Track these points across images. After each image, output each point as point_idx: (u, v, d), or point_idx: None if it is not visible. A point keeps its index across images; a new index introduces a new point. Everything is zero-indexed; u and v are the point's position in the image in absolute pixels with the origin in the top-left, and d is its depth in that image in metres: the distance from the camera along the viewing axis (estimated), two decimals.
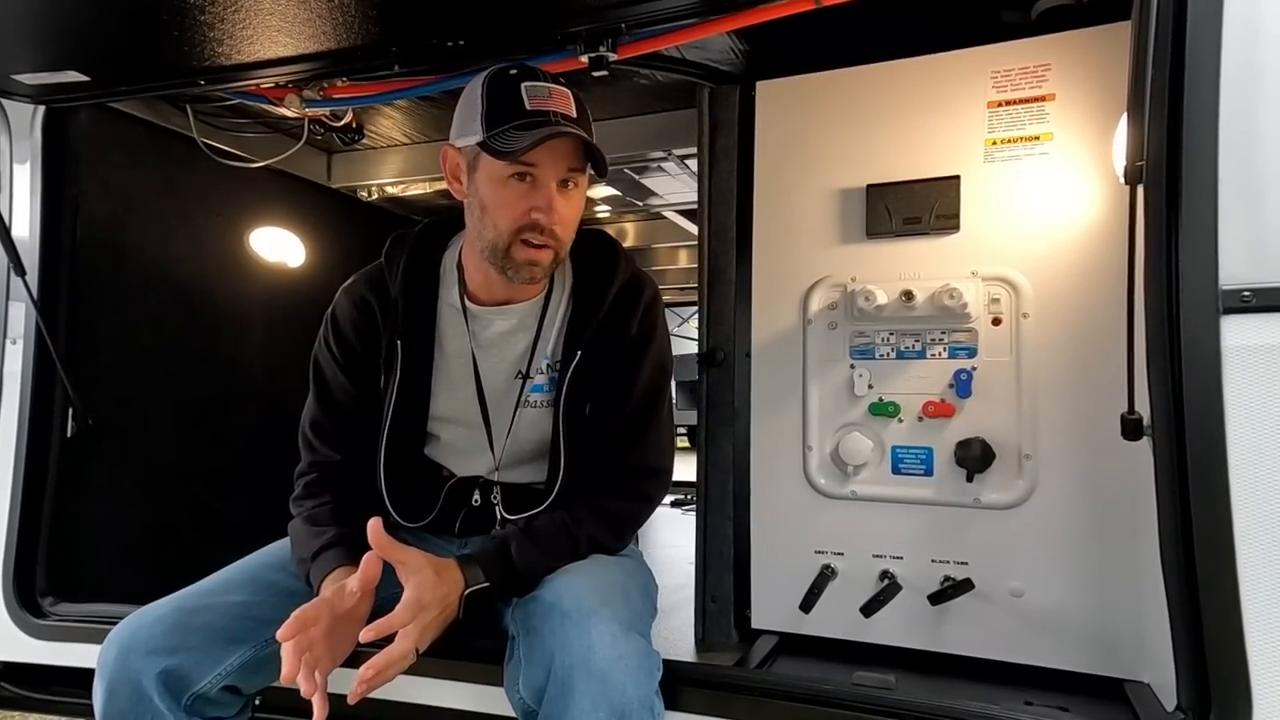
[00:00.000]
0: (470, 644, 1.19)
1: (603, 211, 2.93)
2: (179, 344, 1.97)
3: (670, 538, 2.63)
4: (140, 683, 1.05)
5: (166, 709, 1.06)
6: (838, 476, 1.48)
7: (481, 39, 1.35)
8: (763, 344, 1.55)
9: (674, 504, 3.20)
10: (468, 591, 1.08)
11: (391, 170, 2.42)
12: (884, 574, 1.43)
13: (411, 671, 1.21)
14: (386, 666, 0.98)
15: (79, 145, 1.71)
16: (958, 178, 1.41)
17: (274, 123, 2.04)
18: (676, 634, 1.62)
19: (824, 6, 1.23)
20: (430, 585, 1.03)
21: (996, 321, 1.39)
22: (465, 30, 1.32)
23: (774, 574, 1.52)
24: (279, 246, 2.27)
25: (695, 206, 1.66)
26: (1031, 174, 1.37)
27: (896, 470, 1.44)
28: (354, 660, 1.02)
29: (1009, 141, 1.39)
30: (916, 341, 1.44)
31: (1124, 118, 1.05)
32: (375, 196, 2.59)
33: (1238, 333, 0.94)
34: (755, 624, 1.53)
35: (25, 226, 1.66)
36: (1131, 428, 1.03)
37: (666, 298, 3.92)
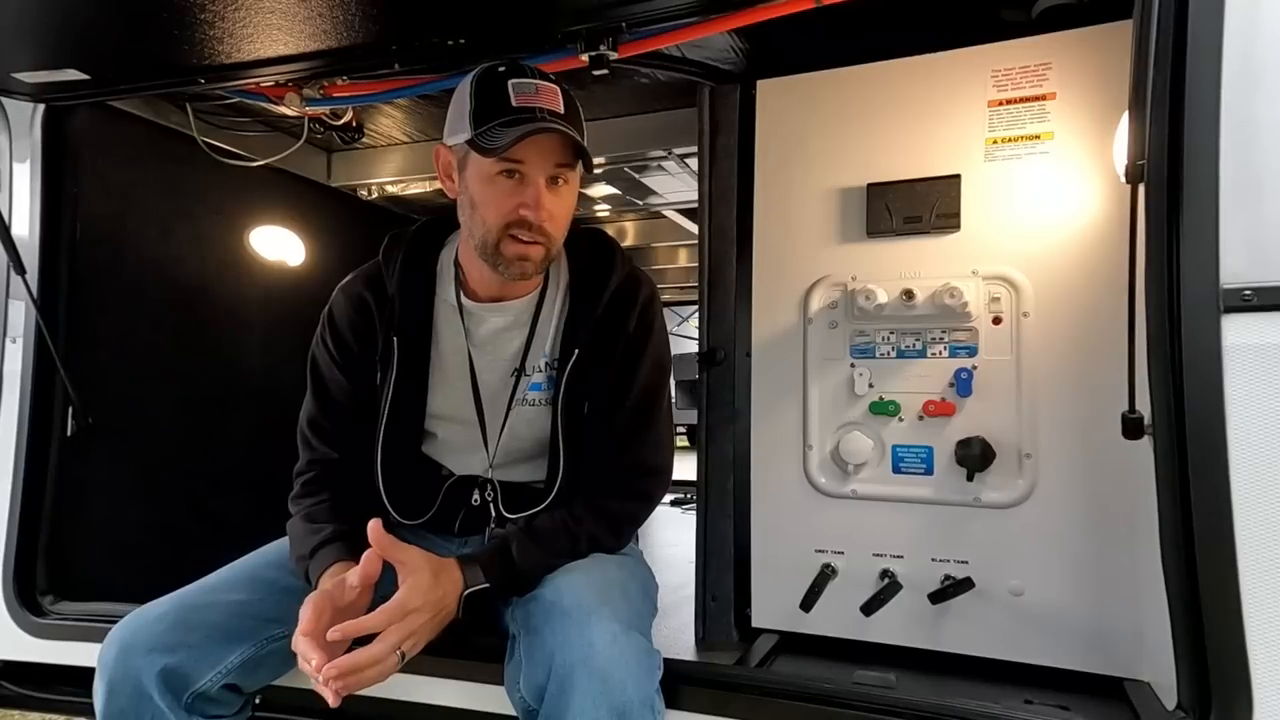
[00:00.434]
0: (471, 643, 1.19)
1: (602, 210, 2.93)
2: (179, 342, 1.97)
3: (670, 536, 2.63)
4: (140, 681, 1.05)
5: (167, 707, 1.06)
6: (838, 475, 1.48)
7: (482, 38, 1.35)
8: (763, 343, 1.55)
9: (674, 503, 3.20)
10: (467, 592, 1.08)
11: (391, 169, 2.42)
12: (884, 573, 1.43)
13: (412, 670, 1.21)
14: (353, 669, 0.95)
15: (79, 144, 1.71)
16: (958, 177, 1.41)
17: (274, 121, 2.04)
18: (677, 633, 1.61)
19: (824, 5, 1.23)
20: (423, 588, 1.02)
21: (997, 320, 1.39)
22: (465, 29, 1.32)
23: (774, 573, 1.52)
24: (279, 245, 2.27)
25: (695, 205, 1.66)
26: (1032, 173, 1.37)
27: (897, 469, 1.44)
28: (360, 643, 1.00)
29: (1009, 140, 1.39)
30: (917, 340, 1.44)
31: (1125, 116, 1.05)
32: (375, 195, 2.59)
33: (1238, 331, 0.94)
34: (755, 623, 1.53)
35: (25, 225, 1.66)
36: (1132, 427, 1.03)
37: (666, 297, 3.94)
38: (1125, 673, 1.29)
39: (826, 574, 1.46)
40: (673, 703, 1.10)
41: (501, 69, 1.14)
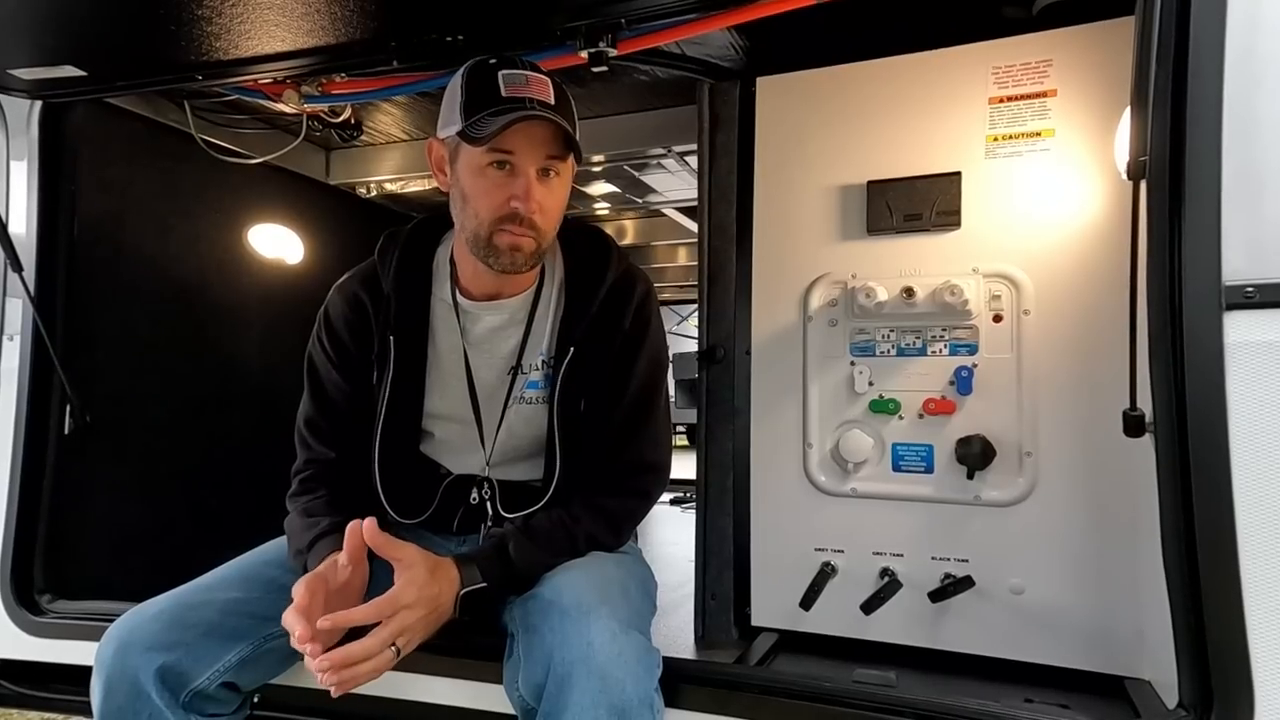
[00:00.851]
0: (469, 641, 1.19)
1: (602, 209, 2.93)
2: (177, 341, 1.97)
3: (670, 535, 2.63)
4: (138, 679, 1.05)
5: (164, 705, 1.05)
6: (838, 474, 1.47)
7: (480, 34, 1.34)
8: (763, 341, 1.55)
9: (673, 502, 3.20)
10: (464, 591, 1.07)
11: (390, 167, 2.41)
12: (884, 571, 1.43)
13: (411, 669, 1.21)
14: (346, 661, 0.95)
15: (76, 141, 1.70)
16: (959, 174, 1.41)
17: (272, 119, 2.03)
18: (676, 631, 1.61)
19: (824, 2, 1.22)
20: (418, 584, 1.02)
21: (997, 318, 1.38)
22: (464, 25, 1.31)
23: (774, 571, 1.52)
24: (277, 243, 2.26)
25: (695, 203, 1.65)
26: (1033, 170, 1.37)
27: (897, 467, 1.44)
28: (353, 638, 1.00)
29: (1010, 138, 1.39)
30: (917, 338, 1.43)
31: (1126, 113, 1.04)
32: (374, 193, 2.59)
33: (1240, 329, 0.94)
34: (755, 621, 1.53)
35: (22, 222, 1.65)
36: (1133, 424, 1.02)
37: (666, 295, 3.94)
38: (1126, 671, 1.28)
39: (826, 572, 1.46)
40: (672, 701, 1.10)
41: (492, 61, 1.14)
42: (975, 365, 1.39)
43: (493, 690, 1.14)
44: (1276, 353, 0.93)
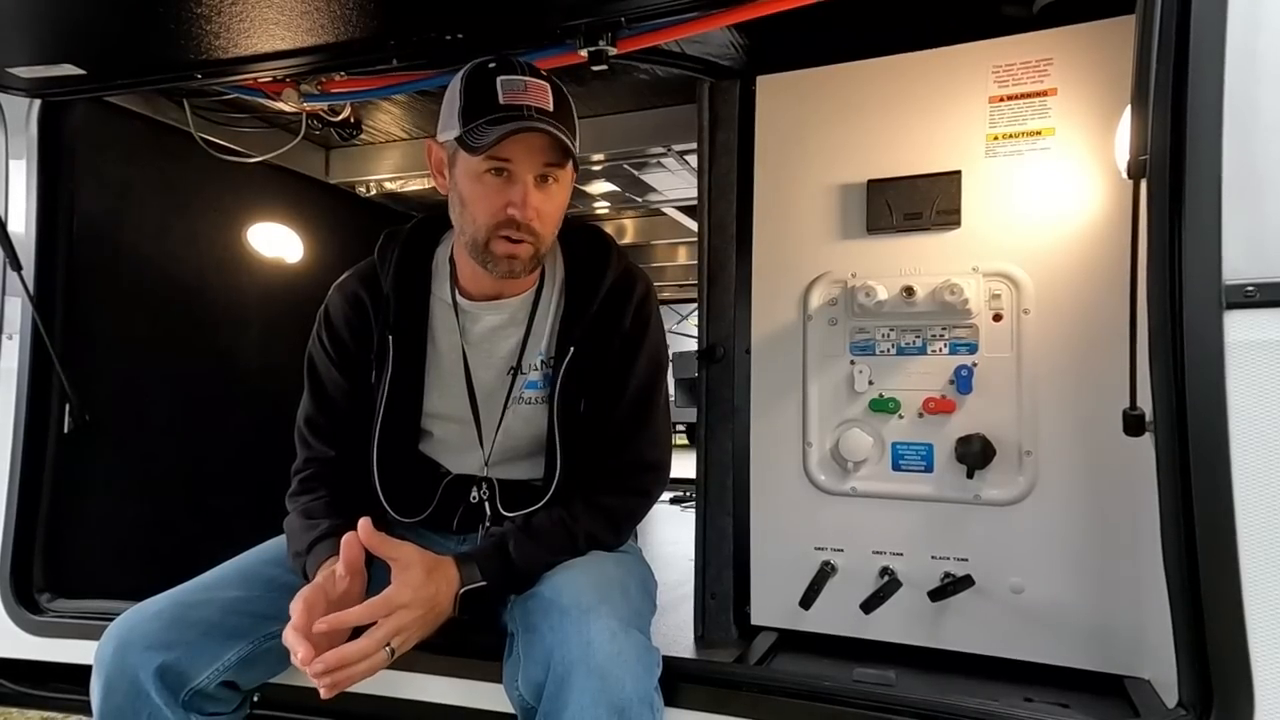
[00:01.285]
0: (469, 641, 1.19)
1: (602, 207, 2.92)
2: (176, 339, 1.97)
3: (670, 534, 2.63)
4: (137, 678, 1.05)
5: (164, 704, 1.05)
6: (838, 473, 1.47)
7: (480, 33, 1.34)
8: (763, 340, 1.55)
9: (673, 501, 3.20)
10: (464, 590, 1.07)
11: (390, 166, 2.41)
12: (884, 570, 1.43)
13: (411, 668, 1.21)
14: (340, 663, 0.95)
15: (75, 140, 1.70)
16: (959, 173, 1.41)
17: (271, 117, 2.03)
18: (676, 630, 1.61)
19: (823, 1, 1.22)
20: (414, 584, 1.02)
21: (997, 317, 1.38)
22: (463, 24, 1.31)
23: (774, 570, 1.52)
24: (277, 242, 2.26)
25: (695, 202, 1.65)
26: (1033, 169, 1.37)
27: (897, 466, 1.44)
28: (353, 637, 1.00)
29: (1010, 136, 1.39)
30: (917, 337, 1.43)
31: (1126, 112, 1.04)
32: (373, 192, 2.58)
33: (1241, 328, 0.94)
34: (755, 620, 1.53)
35: (21, 221, 1.65)
36: (1133, 423, 1.02)
37: (665, 294, 3.94)
38: (1126, 670, 1.28)
39: (826, 571, 1.46)
40: (672, 700, 1.10)
41: (492, 65, 1.13)
42: (975, 364, 1.39)
43: (492, 689, 1.14)
44: (1277, 352, 0.93)
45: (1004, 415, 1.37)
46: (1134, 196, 1.00)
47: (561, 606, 1.00)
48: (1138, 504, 1.24)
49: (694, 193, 1.71)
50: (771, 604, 1.52)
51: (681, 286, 3.74)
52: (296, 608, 0.99)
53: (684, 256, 3.45)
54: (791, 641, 1.50)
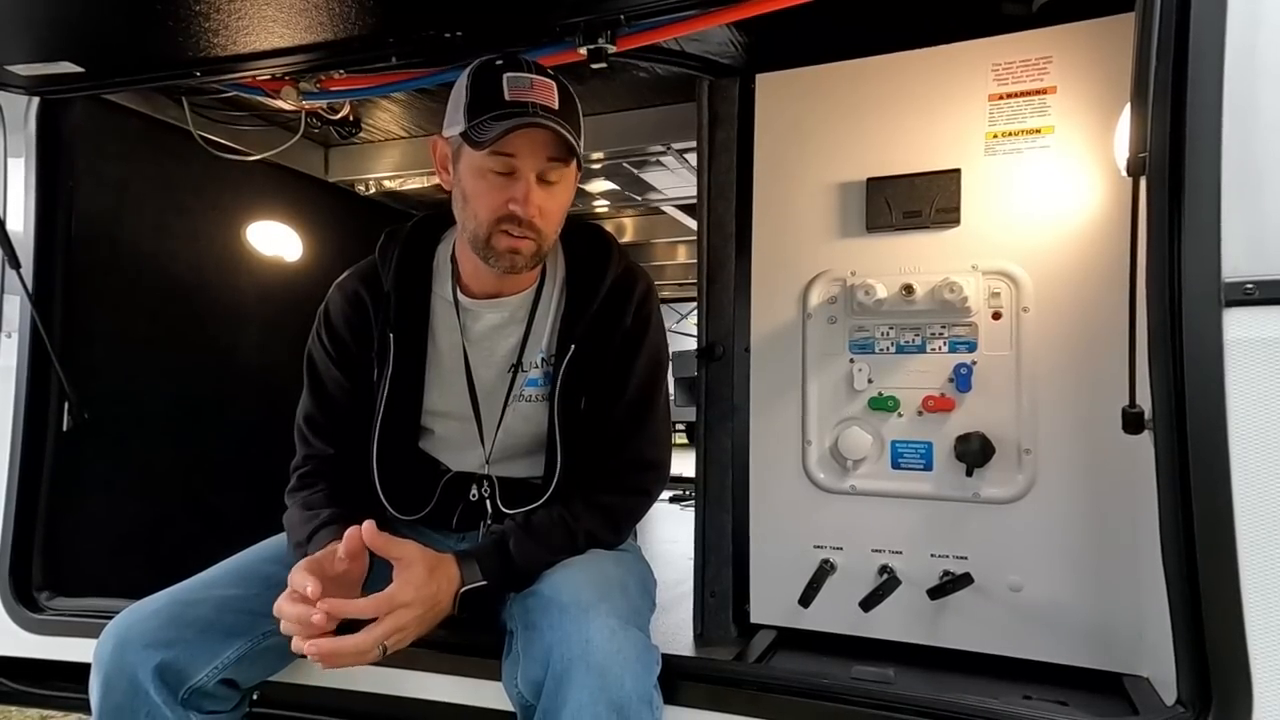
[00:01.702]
0: (468, 639, 1.19)
1: (601, 206, 2.92)
2: (175, 338, 1.97)
3: (669, 533, 2.63)
4: (136, 676, 1.05)
5: (163, 702, 1.05)
6: (837, 471, 1.47)
7: (479, 30, 1.34)
8: (762, 338, 1.54)
9: (673, 499, 3.20)
10: (464, 590, 1.07)
11: (389, 164, 2.40)
12: (883, 569, 1.43)
13: (410, 665, 1.21)
14: (335, 653, 0.96)
15: (74, 137, 1.70)
16: (958, 171, 1.41)
17: (270, 116, 2.02)
18: (675, 629, 1.61)
19: None
20: (416, 583, 1.01)
21: (997, 315, 1.38)
22: (462, 21, 1.31)
23: (773, 569, 1.52)
24: (276, 240, 2.26)
25: (694, 201, 1.65)
26: (1032, 167, 1.37)
27: (896, 465, 1.44)
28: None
29: (1010, 135, 1.38)
30: (916, 336, 1.43)
31: (1126, 110, 1.04)
32: (373, 191, 2.58)
33: (1240, 326, 0.93)
34: (754, 619, 1.53)
35: (20, 219, 1.65)
36: (1133, 421, 1.02)
37: (665, 293, 3.94)
38: (1124, 668, 1.28)
39: (825, 570, 1.46)
40: (671, 698, 1.10)
41: (499, 62, 1.14)
42: (974, 362, 1.39)
43: (492, 687, 1.14)
44: (1276, 350, 0.93)
45: (1003, 413, 1.37)
46: (1133, 194, 1.00)
47: (561, 604, 1.00)
48: (1137, 502, 1.24)
49: (693, 191, 1.71)
50: (771, 602, 1.52)
51: (681, 285, 3.75)
52: (297, 577, 0.99)
53: (683, 255, 3.45)
54: (791, 640, 1.50)
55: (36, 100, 1.64)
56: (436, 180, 2.47)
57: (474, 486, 1.29)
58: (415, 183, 2.50)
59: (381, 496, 1.24)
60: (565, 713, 0.92)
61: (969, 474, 1.38)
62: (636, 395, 1.24)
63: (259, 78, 1.56)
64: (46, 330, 1.62)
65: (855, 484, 1.46)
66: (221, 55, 1.42)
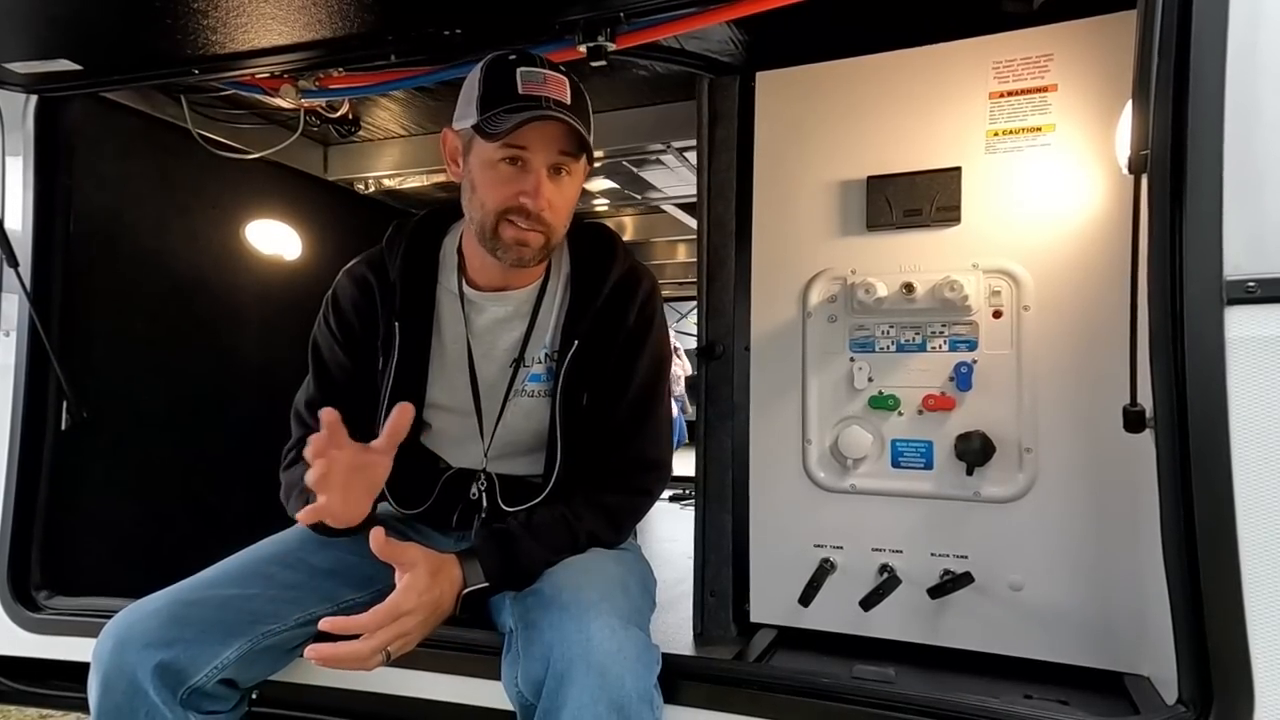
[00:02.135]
0: (468, 638, 1.19)
1: (601, 205, 2.92)
2: (174, 337, 1.96)
3: (669, 532, 2.63)
4: (136, 676, 1.04)
5: (162, 702, 1.05)
6: (837, 470, 1.47)
7: (478, 28, 1.33)
8: (762, 337, 1.54)
9: (673, 498, 3.20)
10: (467, 591, 1.07)
11: (388, 163, 2.40)
12: (883, 568, 1.43)
13: (410, 665, 1.21)
14: (335, 660, 0.96)
15: (72, 136, 1.69)
16: (959, 169, 1.40)
17: (270, 114, 2.02)
18: (675, 628, 1.61)
19: None
20: (419, 589, 1.01)
21: (997, 314, 1.38)
22: (462, 19, 1.31)
23: (773, 568, 1.52)
24: (275, 239, 2.26)
25: (694, 199, 1.65)
26: (1033, 165, 1.36)
27: (896, 464, 1.43)
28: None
29: (1011, 133, 1.38)
30: (917, 334, 1.43)
31: (1127, 108, 1.04)
32: (372, 189, 2.58)
33: (1242, 324, 0.93)
34: (754, 618, 1.53)
35: (18, 218, 1.65)
36: (1134, 420, 1.02)
37: (665, 292, 3.93)
38: (1125, 667, 1.28)
39: (825, 569, 1.46)
40: (671, 697, 1.10)
41: (512, 57, 1.14)
42: (975, 361, 1.39)
43: (491, 686, 1.14)
44: (1277, 348, 0.93)
45: (1004, 412, 1.37)
46: (1135, 192, 0.99)
47: (561, 603, 1.00)
48: (1138, 501, 1.24)
49: (693, 190, 1.71)
50: (771, 601, 1.52)
51: (681, 284, 3.74)
52: (320, 435, 0.97)
53: (683, 254, 3.45)
54: (791, 639, 1.50)
55: (35, 98, 1.63)
56: (436, 179, 2.45)
57: (474, 484, 1.28)
58: (414, 181, 2.49)
59: (384, 489, 1.24)
60: (565, 712, 0.91)
61: (969, 473, 1.37)
62: (639, 394, 1.24)
63: (257, 76, 1.56)
64: (45, 329, 1.62)
65: (855, 483, 1.46)
66: (220, 53, 1.42)
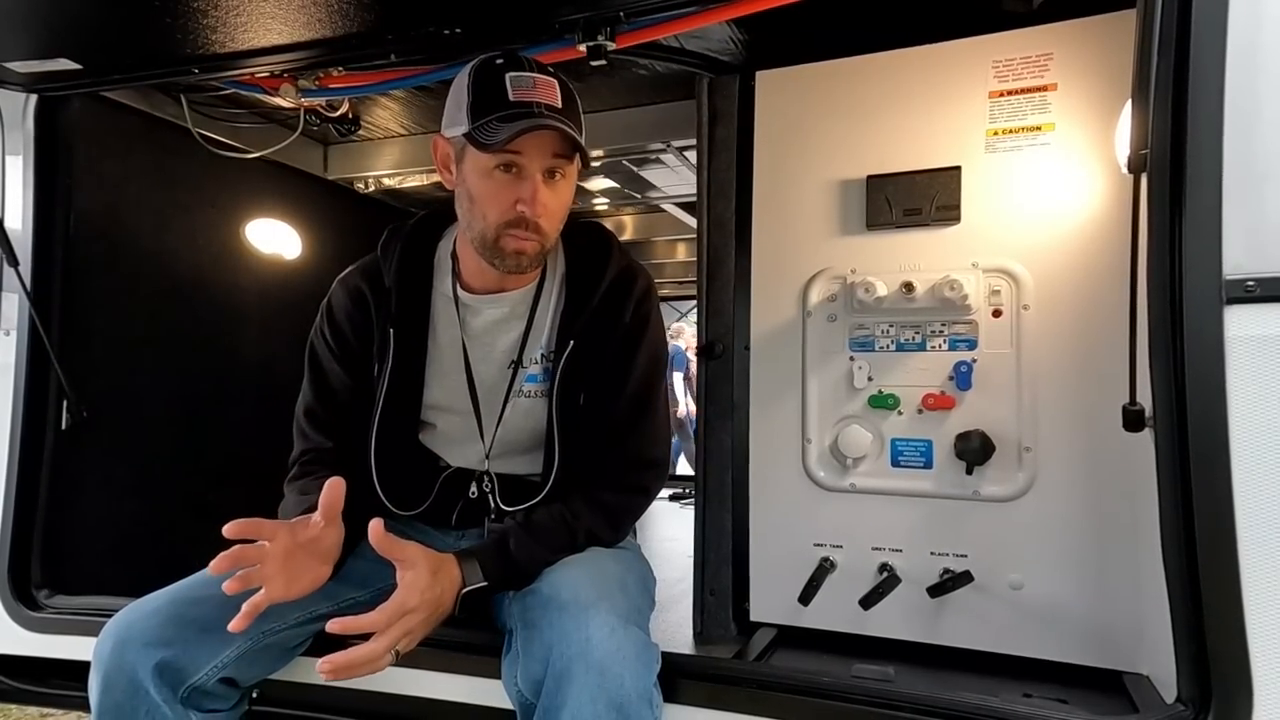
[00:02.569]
0: (468, 637, 1.19)
1: (601, 204, 2.92)
2: (174, 336, 1.96)
3: (669, 531, 2.63)
4: (136, 675, 1.04)
5: (162, 701, 1.05)
6: (837, 469, 1.47)
7: (478, 27, 1.33)
8: (762, 336, 1.54)
9: (672, 497, 3.20)
10: (465, 591, 1.07)
11: (388, 162, 2.40)
12: (883, 567, 1.43)
13: (409, 664, 1.21)
14: (349, 666, 0.96)
15: (72, 135, 1.69)
16: (959, 168, 1.40)
17: (269, 113, 2.02)
18: (675, 627, 1.61)
19: None
20: (420, 587, 1.01)
21: (997, 313, 1.38)
22: (462, 18, 1.31)
23: (773, 567, 1.52)
24: (275, 238, 2.26)
25: (694, 199, 1.65)
26: (1033, 164, 1.36)
27: (896, 463, 1.43)
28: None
29: (1010, 132, 1.38)
30: (916, 333, 1.43)
31: (1127, 107, 1.04)
32: (372, 188, 2.58)
33: (1241, 323, 0.93)
34: (754, 617, 1.53)
35: (18, 217, 1.65)
36: (1133, 419, 1.02)
37: (665, 291, 3.94)
38: (1125, 666, 1.28)
39: (825, 568, 1.46)
40: (671, 696, 1.10)
41: (499, 61, 1.14)
42: (974, 360, 1.39)
43: (491, 685, 1.14)
44: (1277, 347, 0.93)
45: (1003, 411, 1.37)
46: (1134, 191, 0.99)
47: (560, 603, 1.00)
48: (1137, 500, 1.24)
49: (693, 189, 1.70)
50: (770, 600, 1.52)
51: (681, 283, 3.74)
52: (236, 523, 0.99)
53: (683, 253, 3.45)
54: (790, 638, 1.50)
55: (34, 97, 1.63)
56: (435, 178, 2.45)
57: (473, 483, 1.29)
58: (415, 180, 2.49)
59: (379, 491, 1.24)
60: (565, 711, 0.91)
61: (969, 472, 1.38)
62: (636, 392, 1.24)
63: (257, 75, 1.56)
64: (45, 328, 1.62)
65: (855, 482, 1.46)
66: (219, 52, 1.42)
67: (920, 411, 1.42)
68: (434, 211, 1.34)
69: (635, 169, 2.38)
